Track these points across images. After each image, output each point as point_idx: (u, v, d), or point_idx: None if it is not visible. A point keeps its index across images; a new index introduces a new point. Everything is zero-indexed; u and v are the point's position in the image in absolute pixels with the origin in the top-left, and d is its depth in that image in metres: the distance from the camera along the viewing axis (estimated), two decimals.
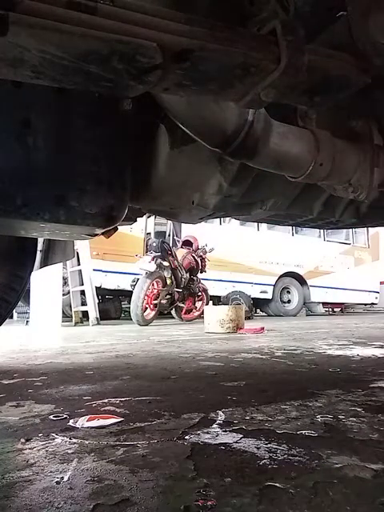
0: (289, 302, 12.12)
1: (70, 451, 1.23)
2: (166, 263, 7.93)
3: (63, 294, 8.18)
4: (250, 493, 0.95)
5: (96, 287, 8.59)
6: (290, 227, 11.21)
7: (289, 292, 12.13)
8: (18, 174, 1.20)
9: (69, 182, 1.29)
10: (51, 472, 1.08)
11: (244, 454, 1.18)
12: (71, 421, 1.53)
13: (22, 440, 1.33)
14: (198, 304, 8.92)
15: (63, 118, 1.30)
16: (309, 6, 0.77)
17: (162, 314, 8.57)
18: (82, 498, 0.94)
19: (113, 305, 10.24)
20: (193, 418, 1.54)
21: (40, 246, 2.44)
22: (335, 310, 14.61)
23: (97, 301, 8.48)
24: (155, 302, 7.76)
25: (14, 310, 8.10)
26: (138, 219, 2.09)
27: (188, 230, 9.65)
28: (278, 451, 1.19)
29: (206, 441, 1.29)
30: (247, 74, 0.60)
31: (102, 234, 1.49)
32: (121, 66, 0.54)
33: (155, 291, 7.77)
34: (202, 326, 6.35)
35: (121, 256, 8.93)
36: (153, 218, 9.20)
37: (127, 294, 8.99)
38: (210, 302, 8.20)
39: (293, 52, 0.61)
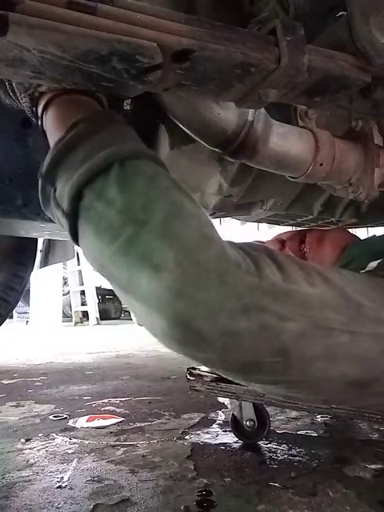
0: None
1: (70, 451, 1.23)
2: None
3: (63, 294, 8.17)
4: (250, 493, 0.95)
5: (96, 287, 8.58)
6: (290, 227, 11.22)
7: None
8: (17, 174, 1.20)
9: None
10: (51, 472, 1.08)
11: (244, 454, 1.18)
12: (71, 421, 1.53)
13: (22, 440, 1.33)
14: None
15: None
16: (309, 6, 0.77)
17: None
18: (82, 498, 0.94)
19: (113, 305, 10.22)
20: (193, 417, 1.54)
21: (40, 246, 2.44)
22: None
23: (97, 301, 8.47)
24: None
25: (14, 310, 8.09)
26: None
27: None
28: (278, 451, 1.20)
29: (206, 441, 1.30)
30: (247, 74, 0.60)
31: None
32: (121, 66, 0.54)
33: None
34: None
35: None
36: None
37: None
38: None
39: (293, 52, 0.60)
